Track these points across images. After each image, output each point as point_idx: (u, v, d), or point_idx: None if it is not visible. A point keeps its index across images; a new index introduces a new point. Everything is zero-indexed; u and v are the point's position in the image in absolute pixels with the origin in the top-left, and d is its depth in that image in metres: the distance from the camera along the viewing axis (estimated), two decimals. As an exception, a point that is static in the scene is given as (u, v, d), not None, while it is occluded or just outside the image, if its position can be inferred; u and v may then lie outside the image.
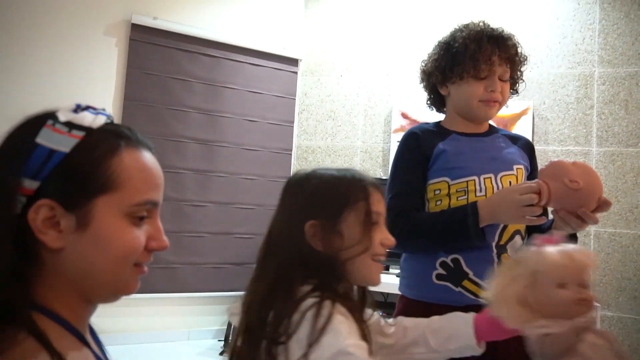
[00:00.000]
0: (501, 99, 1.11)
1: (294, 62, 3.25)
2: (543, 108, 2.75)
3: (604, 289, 2.57)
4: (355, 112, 3.17)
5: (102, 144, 0.60)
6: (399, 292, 2.54)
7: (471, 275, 1.03)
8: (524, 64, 1.14)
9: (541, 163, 1.13)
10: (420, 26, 3.04)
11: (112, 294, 0.63)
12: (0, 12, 2.55)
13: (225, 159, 3.03)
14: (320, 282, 0.76)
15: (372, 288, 2.40)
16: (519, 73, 1.13)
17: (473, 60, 1.05)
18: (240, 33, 3.10)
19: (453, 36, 1.12)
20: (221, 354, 2.70)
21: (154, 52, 2.88)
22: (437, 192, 1.09)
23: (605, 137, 2.65)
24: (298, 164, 3.27)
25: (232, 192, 3.04)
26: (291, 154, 3.24)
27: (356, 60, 3.20)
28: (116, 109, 2.81)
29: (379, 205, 0.84)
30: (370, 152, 3.12)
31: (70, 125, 0.59)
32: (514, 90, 1.17)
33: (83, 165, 0.57)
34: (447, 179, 1.08)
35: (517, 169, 1.09)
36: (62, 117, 0.60)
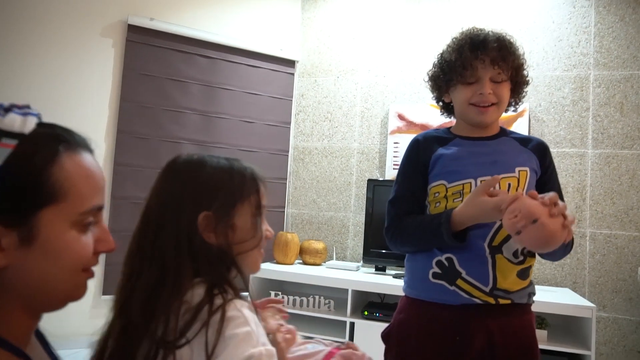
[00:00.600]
0: (496, 100, 1.11)
1: (290, 63, 3.25)
2: (539, 110, 2.76)
3: (599, 290, 2.58)
4: (352, 113, 3.18)
5: (38, 151, 0.54)
6: (395, 293, 2.56)
7: (464, 274, 1.04)
8: (519, 61, 1.13)
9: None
10: (416, 29, 3.05)
11: (62, 303, 0.60)
12: (-4, 12, 2.54)
13: (221, 160, 3.01)
14: (213, 277, 0.71)
15: (369, 290, 2.41)
16: (516, 71, 1.12)
17: (458, 67, 1.11)
18: (237, 34, 3.10)
19: (445, 47, 1.20)
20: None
21: (150, 53, 2.87)
22: (437, 194, 1.12)
23: (601, 139, 2.66)
24: (295, 165, 3.27)
25: (229, 194, 3.02)
26: (288, 155, 3.24)
27: (353, 62, 3.20)
28: (112, 110, 2.80)
29: (265, 198, 0.84)
30: (366, 154, 3.12)
31: (9, 109, 0.53)
32: (518, 90, 1.17)
33: (20, 178, 0.51)
34: (444, 182, 1.11)
35: (519, 171, 1.09)
36: None
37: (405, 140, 2.98)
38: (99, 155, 2.77)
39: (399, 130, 3.01)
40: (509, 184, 1.08)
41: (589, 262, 2.61)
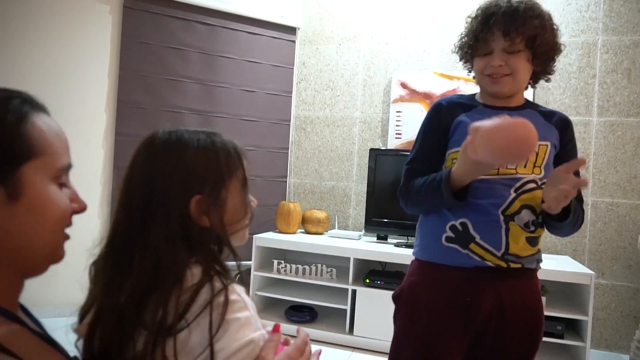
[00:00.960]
0: (509, 71, 1.09)
1: (292, 30, 3.19)
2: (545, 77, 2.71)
3: (599, 258, 2.60)
4: (354, 82, 3.13)
5: (8, 111, 0.56)
6: (397, 261, 2.58)
7: (478, 239, 1.07)
8: (536, 29, 1.07)
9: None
10: (421, -8, 2.96)
11: (45, 263, 0.62)
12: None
13: (223, 130, 2.95)
14: (209, 259, 0.70)
15: (371, 258, 2.44)
16: (532, 40, 1.07)
17: (472, 40, 1.13)
18: (237, 0, 3.02)
19: (472, 14, 1.18)
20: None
21: (148, 20, 2.81)
22: (454, 160, 1.12)
23: (606, 106, 2.63)
24: (296, 135, 3.25)
25: (231, 163, 3.02)
26: (289, 125, 3.21)
27: (355, 29, 3.14)
28: (112, 79, 2.76)
29: (248, 170, 0.81)
30: (369, 123, 3.09)
31: None
32: (541, 58, 1.12)
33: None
34: (457, 149, 1.12)
35: (539, 145, 1.08)
36: None
37: (408, 109, 2.95)
38: (100, 126, 2.77)
39: (401, 99, 2.97)
40: (527, 159, 1.08)
41: (590, 230, 2.62)
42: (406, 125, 2.95)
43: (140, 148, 0.75)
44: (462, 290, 1.08)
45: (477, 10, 1.14)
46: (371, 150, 2.85)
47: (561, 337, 2.23)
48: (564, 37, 2.69)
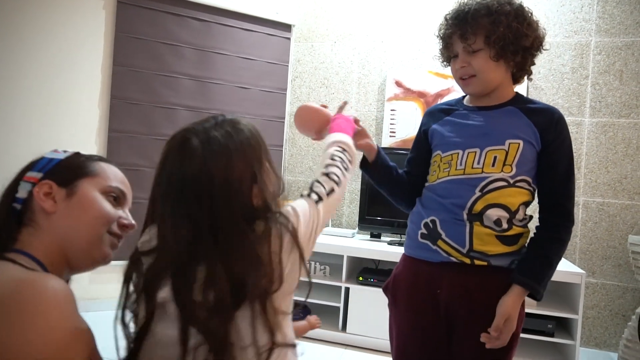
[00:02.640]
0: (473, 72, 1.11)
1: (287, 27, 3.18)
2: (538, 78, 2.73)
3: (589, 257, 2.63)
4: (349, 80, 3.13)
5: (85, 156, 0.87)
6: (390, 259, 2.60)
7: (444, 236, 1.11)
8: (493, 26, 1.06)
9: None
10: (416, -9, 2.97)
11: (87, 257, 0.81)
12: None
13: (217, 127, 2.99)
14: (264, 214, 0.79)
15: (364, 256, 2.51)
16: (489, 37, 1.07)
17: (442, 45, 1.20)
18: (232, -4, 3.01)
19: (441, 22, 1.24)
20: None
21: (142, 16, 2.79)
22: (434, 163, 1.20)
23: (599, 107, 2.65)
24: (291, 132, 3.25)
25: (225, 160, 3.02)
26: (284, 122, 3.21)
27: (350, 27, 3.14)
28: (105, 75, 2.74)
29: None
30: (363, 121, 3.09)
31: (66, 151, 0.87)
32: (506, 53, 1.09)
33: (71, 164, 0.84)
34: (440, 152, 1.19)
35: (510, 143, 1.09)
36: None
37: (402, 108, 2.96)
38: (94, 122, 2.75)
39: (396, 98, 2.98)
40: (495, 157, 1.09)
41: (581, 230, 2.65)
42: (400, 124, 2.96)
43: (185, 154, 0.76)
44: (432, 283, 1.13)
45: (445, 16, 1.19)
46: (365, 148, 2.85)
47: (551, 335, 2.25)
48: (557, 38, 2.71)
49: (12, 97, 2.55)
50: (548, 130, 1.10)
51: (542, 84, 2.73)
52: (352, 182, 3.10)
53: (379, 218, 2.77)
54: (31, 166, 0.83)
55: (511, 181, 1.08)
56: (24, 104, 2.57)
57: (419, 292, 1.15)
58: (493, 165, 1.09)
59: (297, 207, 0.84)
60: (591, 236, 2.63)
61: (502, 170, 1.08)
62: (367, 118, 3.09)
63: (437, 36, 1.20)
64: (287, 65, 3.20)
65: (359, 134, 1.21)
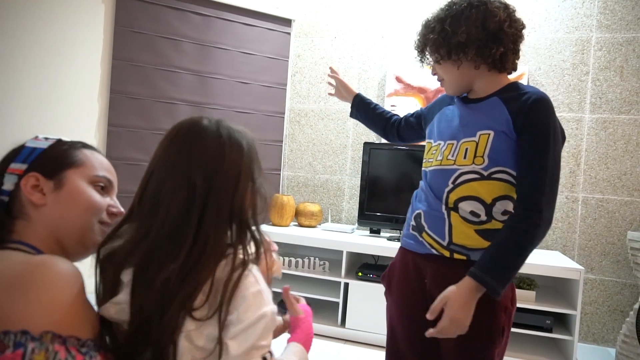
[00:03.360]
0: (441, 77, 1.20)
1: (287, 22, 3.17)
2: (538, 74, 2.72)
3: (588, 253, 2.63)
4: (349, 75, 3.13)
5: (67, 143, 0.86)
6: (389, 255, 2.60)
7: (426, 228, 1.16)
8: (436, 35, 1.13)
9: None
10: (417, -14, 2.95)
11: (82, 244, 0.83)
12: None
13: (217, 122, 2.99)
14: (240, 242, 0.76)
15: (364, 252, 2.52)
16: (438, 46, 1.14)
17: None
18: (232, -9, 2.99)
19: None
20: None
21: (142, 9, 2.78)
22: (427, 150, 1.25)
23: (599, 103, 2.65)
24: (291, 128, 3.25)
25: (224, 156, 3.02)
26: (284, 117, 3.21)
27: (351, 22, 3.12)
28: (105, 69, 2.74)
29: None
30: (363, 117, 3.09)
31: (47, 138, 0.87)
32: (458, 52, 1.10)
33: (55, 153, 0.83)
34: (430, 140, 1.26)
35: (480, 134, 1.08)
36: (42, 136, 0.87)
37: (402, 103, 2.95)
38: (93, 116, 2.74)
39: (396, 93, 2.97)
40: (467, 149, 1.09)
41: (580, 226, 2.65)
42: (400, 120, 2.95)
43: (203, 133, 0.77)
44: (420, 273, 1.18)
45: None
46: (365, 144, 2.85)
47: (550, 331, 2.26)
48: (558, 34, 2.70)
49: (11, 91, 2.54)
50: (519, 115, 1.04)
51: (543, 79, 2.72)
52: (352, 178, 3.10)
53: (378, 214, 2.78)
54: (13, 156, 0.82)
55: (485, 173, 1.07)
56: (23, 98, 2.56)
57: (409, 282, 1.20)
58: (465, 157, 1.09)
59: (263, 293, 0.74)
60: (590, 232, 2.64)
61: (473, 162, 1.07)
62: (367, 113, 3.08)
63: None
64: (287, 60, 3.19)
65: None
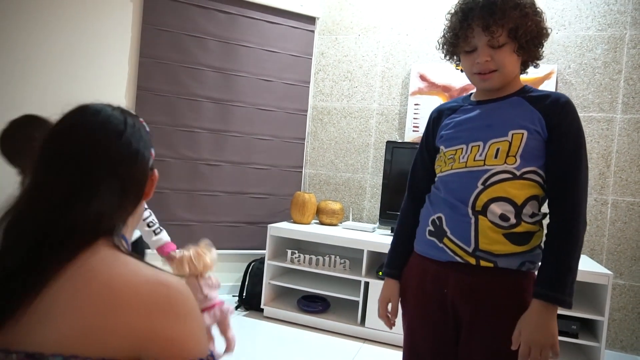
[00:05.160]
0: (496, 67, 1.06)
1: (311, 20, 3.17)
2: (568, 72, 2.65)
3: (617, 258, 2.55)
4: (372, 73, 3.11)
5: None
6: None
7: (449, 233, 1.08)
8: (518, 19, 1.02)
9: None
10: (443, -17, 2.91)
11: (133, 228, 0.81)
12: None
13: (240, 119, 3.02)
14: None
15: (384, 251, 2.51)
16: (515, 30, 1.03)
17: (454, 38, 1.12)
18: (257, -11, 3.01)
19: (446, 13, 1.16)
20: (236, 308, 2.80)
21: (168, 8, 2.83)
22: (439, 159, 1.18)
23: (632, 103, 2.56)
24: (313, 126, 3.25)
25: (247, 152, 3.05)
26: (306, 115, 3.21)
27: (375, 19, 3.10)
28: (132, 66, 2.79)
29: None
30: (386, 115, 3.07)
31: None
32: (527, 47, 1.06)
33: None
34: (443, 146, 1.16)
35: (512, 134, 1.04)
36: None
37: (426, 102, 2.92)
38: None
39: (420, 92, 2.94)
40: (498, 149, 1.04)
41: (609, 230, 2.57)
42: (424, 118, 2.92)
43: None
44: (439, 281, 1.11)
45: (455, 5, 1.12)
46: (388, 142, 2.83)
47: (575, 337, 2.20)
48: (590, 31, 2.62)
49: (41, 87, 2.62)
50: (552, 115, 1.03)
51: (572, 79, 2.65)
52: (374, 177, 3.08)
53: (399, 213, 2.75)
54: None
55: (517, 173, 1.03)
56: (52, 95, 2.64)
57: (427, 290, 1.13)
58: (496, 157, 1.04)
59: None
60: (620, 236, 2.56)
61: (505, 162, 1.04)
62: (390, 112, 3.06)
63: (447, 28, 1.13)
64: (311, 58, 3.19)
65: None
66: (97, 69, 2.73)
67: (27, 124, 1.53)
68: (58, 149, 0.66)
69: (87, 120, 0.69)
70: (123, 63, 2.78)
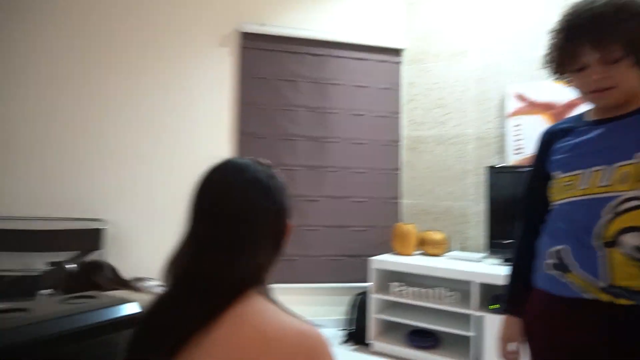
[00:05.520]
0: (613, 84, 0.95)
1: (397, 52, 3.21)
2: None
3: None
4: (465, 98, 3.02)
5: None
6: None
7: (573, 267, 0.98)
8: (635, 31, 0.91)
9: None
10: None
11: None
12: (123, 38, 2.91)
13: (335, 154, 3.10)
14: None
15: (494, 282, 2.33)
16: (632, 42, 0.91)
17: (561, 57, 1.03)
18: (344, 29, 3.14)
19: (554, 27, 1.06)
20: (344, 342, 2.78)
21: (263, 57, 3.05)
22: (554, 185, 1.08)
23: None
24: (408, 155, 3.22)
25: (344, 186, 3.10)
26: (398, 145, 3.20)
27: (463, 44, 3.05)
28: (234, 113, 3.03)
29: None
30: (484, 139, 2.95)
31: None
32: None
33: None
34: (559, 172, 1.07)
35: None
36: None
37: (527, 122, 2.76)
38: (224, 155, 3.03)
39: (519, 112, 2.79)
40: (625, 173, 0.93)
41: None
42: (527, 139, 2.75)
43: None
44: (566, 321, 0.99)
45: (561, 21, 1.02)
46: (489, 167, 2.70)
47: None
48: None
49: (151, 134, 2.94)
50: None
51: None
52: (476, 204, 2.94)
53: (509, 241, 2.58)
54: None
55: None
56: (160, 141, 2.94)
57: (554, 330, 1.02)
58: (623, 182, 0.93)
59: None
60: None
61: (635, 188, 0.92)
62: (488, 136, 2.93)
63: (552, 46, 1.04)
64: (399, 89, 3.20)
65: None
66: (202, 117, 3.00)
67: (91, 271, 1.60)
68: (216, 204, 0.72)
69: (238, 179, 0.74)
70: (224, 111, 3.03)
